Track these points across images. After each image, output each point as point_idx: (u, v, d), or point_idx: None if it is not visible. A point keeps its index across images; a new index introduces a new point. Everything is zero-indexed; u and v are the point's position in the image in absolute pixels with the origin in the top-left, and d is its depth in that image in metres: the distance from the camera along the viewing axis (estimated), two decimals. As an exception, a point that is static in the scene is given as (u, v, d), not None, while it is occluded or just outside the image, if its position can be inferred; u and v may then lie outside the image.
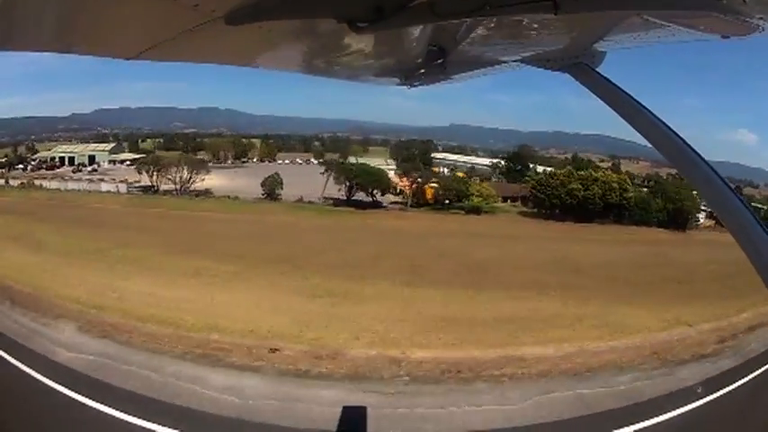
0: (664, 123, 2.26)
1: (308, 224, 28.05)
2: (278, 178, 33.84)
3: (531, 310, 17.73)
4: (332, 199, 34.56)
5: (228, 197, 32.31)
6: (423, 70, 2.93)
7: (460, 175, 44.16)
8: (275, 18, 1.73)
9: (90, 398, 9.68)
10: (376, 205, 34.87)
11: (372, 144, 57.55)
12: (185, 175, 32.16)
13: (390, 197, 37.07)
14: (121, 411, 9.19)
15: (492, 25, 1.98)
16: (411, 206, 35.13)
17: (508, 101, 74.22)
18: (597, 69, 2.36)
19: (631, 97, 2.34)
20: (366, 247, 23.89)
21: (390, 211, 33.94)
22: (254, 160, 49.82)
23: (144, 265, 17.96)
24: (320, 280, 17.87)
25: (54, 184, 31.21)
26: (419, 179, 36.30)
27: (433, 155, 51.19)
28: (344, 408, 10.16)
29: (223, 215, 27.83)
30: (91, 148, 40.53)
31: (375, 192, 34.66)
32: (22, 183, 30.90)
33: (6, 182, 31.21)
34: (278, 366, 11.79)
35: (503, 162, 46.36)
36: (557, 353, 13.70)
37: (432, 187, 36.15)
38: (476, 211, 35.46)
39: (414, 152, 49.58)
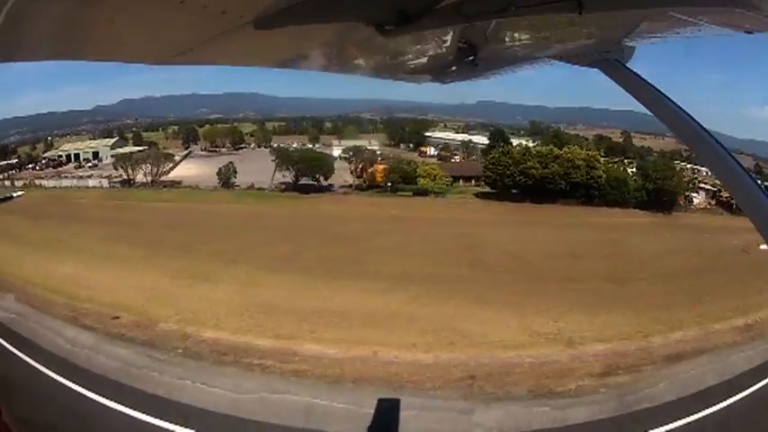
0: (693, 119, 2.69)
1: (239, 211, 35.47)
2: (231, 167, 41.53)
3: (372, 304, 21.03)
4: (284, 184, 41.44)
5: (190, 187, 41.25)
6: (454, 67, 3.34)
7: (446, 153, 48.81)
8: (303, 23, 2.07)
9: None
10: (321, 189, 40.98)
11: (397, 123, 63.62)
12: (156, 168, 41.63)
13: (350, 179, 42.97)
14: (11, 345, 17.48)
15: (522, 22, 2.33)
16: (358, 189, 40.84)
17: (537, 76, 74.01)
18: (627, 65, 2.76)
19: (661, 93, 2.73)
20: (270, 233, 30.49)
21: (334, 196, 39.80)
22: (252, 146, 58.47)
23: (80, 251, 26.84)
24: (198, 264, 25.09)
25: (51, 183, 41.50)
26: (361, 162, 41.39)
27: (428, 133, 56.07)
28: (380, 400, 13.17)
29: (173, 204, 36.36)
30: (94, 143, 51.71)
31: (318, 176, 40.78)
32: (24, 183, 41.14)
33: (12, 183, 41.51)
34: (108, 329, 19.23)
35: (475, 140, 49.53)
36: (339, 354, 16.34)
37: (382, 169, 41.21)
38: (423, 192, 39.98)
39: (404, 130, 54.90)
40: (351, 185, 41.37)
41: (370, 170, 41.32)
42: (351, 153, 43.91)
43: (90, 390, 14.54)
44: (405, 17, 1.99)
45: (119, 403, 13.87)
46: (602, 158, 45.57)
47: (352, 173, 43.31)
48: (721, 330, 21.37)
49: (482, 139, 51.13)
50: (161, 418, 13.22)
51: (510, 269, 27.13)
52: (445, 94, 63.75)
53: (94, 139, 52.76)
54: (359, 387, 14.31)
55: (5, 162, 45.21)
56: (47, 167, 46.03)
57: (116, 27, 1.94)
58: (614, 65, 2.78)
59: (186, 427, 12.98)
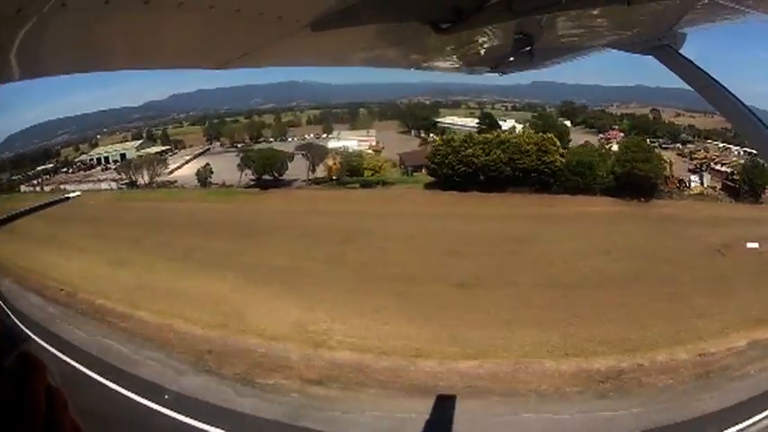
0: (742, 103, 3.74)
1: (195, 208, 54.82)
2: (208, 168, 61.71)
3: (210, 288, 36.47)
4: (253, 180, 59.82)
5: (177, 187, 62.42)
6: (512, 58, 4.59)
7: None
8: (359, 24, 2.87)
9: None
10: (279, 185, 58.72)
11: (447, 107, 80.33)
12: (154, 170, 64.04)
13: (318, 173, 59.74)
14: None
15: (575, 12, 3.20)
16: (315, 183, 57.09)
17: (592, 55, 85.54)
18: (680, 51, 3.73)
19: (713, 79, 3.89)
20: (199, 228, 48.89)
21: (286, 191, 56.75)
22: (271, 139, 78.38)
23: (66, 245, 48.68)
24: (131, 253, 44.65)
25: (72, 187, 64.81)
26: (309, 156, 57.65)
27: (438, 119, 70.69)
28: (438, 396, 22.18)
29: (154, 203, 56.66)
30: (121, 146, 75.51)
31: (274, 173, 58.81)
32: (52, 188, 64.64)
33: (42, 188, 64.67)
34: (54, 296, 39.06)
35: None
36: (151, 320, 32.69)
37: (332, 164, 56.69)
38: (369, 184, 54.65)
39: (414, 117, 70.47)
40: (320, 180, 58.68)
41: (322, 164, 57.80)
42: (304, 150, 60.76)
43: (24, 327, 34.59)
44: (458, 14, 2.77)
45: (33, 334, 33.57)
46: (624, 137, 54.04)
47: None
48: (547, 372, 25.73)
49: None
50: (44, 342, 32.41)
51: (368, 265, 40.26)
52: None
53: (127, 140, 78.33)
54: (144, 342, 30.45)
55: (41, 167, 69.88)
56: (79, 171, 71.66)
57: (173, 35, 2.78)
58: (668, 51, 4.04)
59: (51, 346, 31.94)
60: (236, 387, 25.54)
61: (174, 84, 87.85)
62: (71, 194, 64.80)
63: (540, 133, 52.00)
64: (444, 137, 57.24)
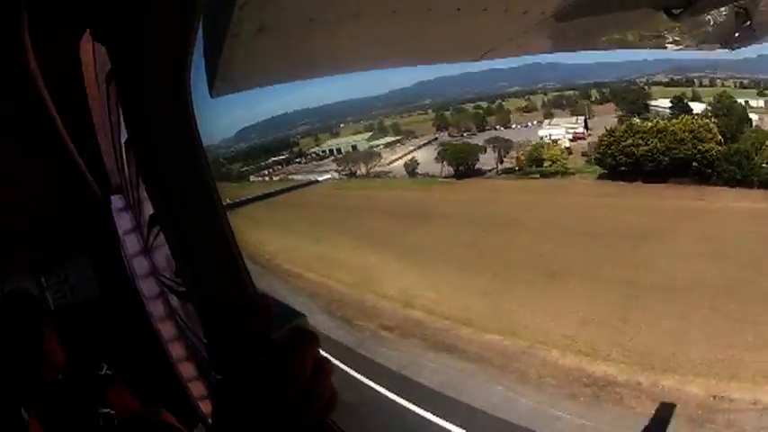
0: None
1: (396, 196, 72.90)
2: (414, 159, 78.98)
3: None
4: (453, 171, 75.68)
5: (389, 177, 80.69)
6: (737, 34, 5.19)
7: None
8: (600, 13, 3.68)
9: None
10: (471, 174, 73.64)
11: (682, 85, 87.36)
12: (371, 161, 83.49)
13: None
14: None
15: None
16: (501, 173, 70.21)
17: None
18: None
19: None
20: (390, 212, 66.21)
21: (476, 181, 71.37)
22: (498, 127, 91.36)
23: (277, 224, 70.30)
24: (322, 233, 64.36)
25: (300, 176, 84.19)
26: (495, 148, 70.35)
27: (650, 102, 76.90)
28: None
29: (360, 192, 75.86)
30: (349, 138, 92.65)
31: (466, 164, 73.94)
32: (280, 178, 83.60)
33: (270, 178, 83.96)
34: (253, 259, 59.78)
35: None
36: (313, 278, 53.55)
37: (519, 154, 69.59)
38: (547, 174, 66.62)
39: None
40: (496, 171, 73.10)
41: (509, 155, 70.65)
42: (493, 143, 74.53)
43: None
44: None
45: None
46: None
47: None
48: (546, 360, 32.28)
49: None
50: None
51: (492, 249, 52.15)
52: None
53: (359, 132, 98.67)
54: (301, 291, 50.06)
55: (272, 159, 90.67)
56: (311, 161, 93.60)
57: (420, 35, 3.68)
58: None
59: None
60: (336, 323, 42.23)
61: (419, 70, 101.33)
62: (322, 178, 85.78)
63: (695, 118, 56.72)
64: (609, 126, 65.60)
